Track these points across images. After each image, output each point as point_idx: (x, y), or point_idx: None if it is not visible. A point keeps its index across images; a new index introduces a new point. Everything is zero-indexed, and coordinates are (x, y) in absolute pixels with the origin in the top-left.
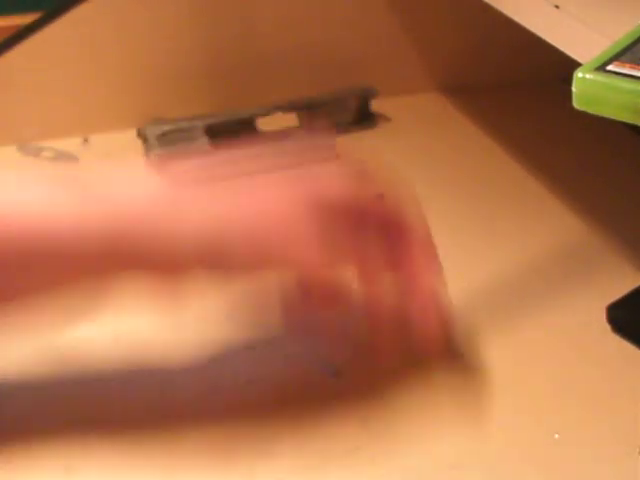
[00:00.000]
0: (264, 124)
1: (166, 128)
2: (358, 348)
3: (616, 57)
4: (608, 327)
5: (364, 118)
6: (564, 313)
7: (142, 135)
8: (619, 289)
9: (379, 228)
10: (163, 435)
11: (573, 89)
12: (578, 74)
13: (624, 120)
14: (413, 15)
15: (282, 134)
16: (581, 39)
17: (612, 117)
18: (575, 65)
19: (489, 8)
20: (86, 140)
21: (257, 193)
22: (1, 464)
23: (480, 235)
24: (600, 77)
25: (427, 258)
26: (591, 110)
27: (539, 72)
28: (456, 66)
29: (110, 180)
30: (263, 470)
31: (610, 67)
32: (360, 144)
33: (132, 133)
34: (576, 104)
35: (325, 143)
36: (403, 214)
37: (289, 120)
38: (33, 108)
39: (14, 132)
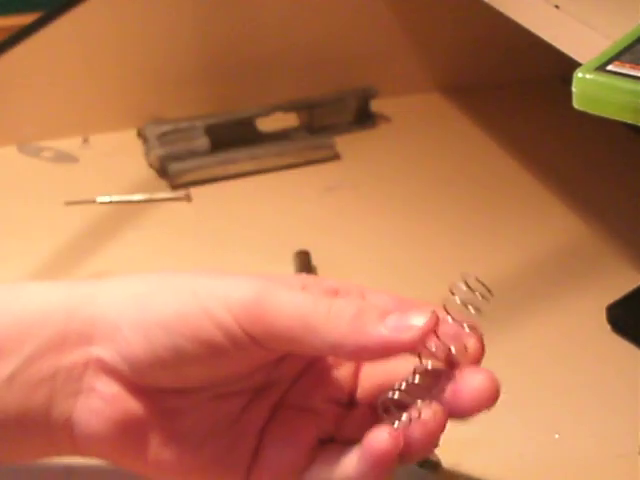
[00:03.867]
0: (264, 124)
1: (166, 128)
2: None
3: (616, 57)
4: (608, 327)
5: (364, 118)
6: (564, 313)
7: (142, 135)
8: (619, 289)
9: None
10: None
11: (573, 89)
12: (578, 74)
13: (624, 120)
14: (413, 15)
15: (282, 134)
16: (581, 39)
17: (612, 117)
18: (575, 65)
19: (489, 8)
20: (86, 140)
21: None
22: None
23: (480, 235)
24: (600, 77)
25: None
26: (591, 110)
27: (539, 72)
28: (456, 66)
29: None
30: None
31: (610, 67)
32: (360, 144)
33: (132, 133)
34: (576, 104)
35: (325, 144)
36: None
37: (289, 120)
38: (33, 108)
39: (14, 132)
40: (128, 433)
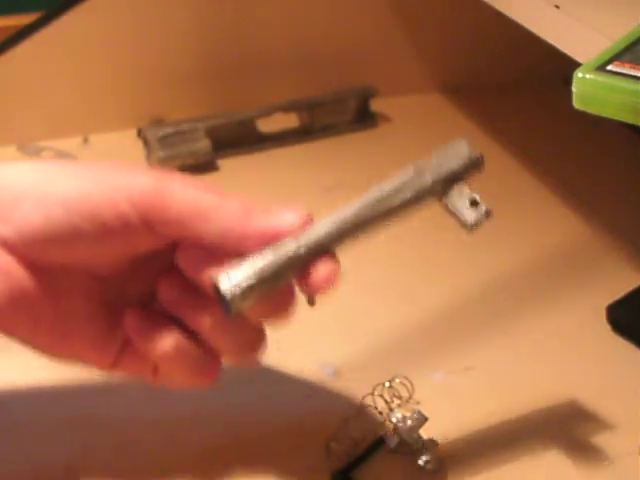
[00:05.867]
0: (264, 125)
1: (167, 130)
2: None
3: (616, 57)
4: (608, 327)
5: (364, 118)
6: (564, 313)
7: (143, 137)
8: (619, 289)
9: None
10: (163, 436)
11: (573, 89)
12: (578, 74)
13: (624, 120)
14: (413, 15)
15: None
16: (581, 39)
17: (612, 117)
18: (575, 65)
19: (489, 8)
20: (86, 140)
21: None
22: None
23: (479, 235)
24: (600, 77)
25: None
26: (591, 110)
27: (539, 72)
28: (456, 66)
29: None
30: (263, 471)
31: (610, 67)
32: (360, 144)
33: (132, 133)
34: (576, 104)
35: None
36: None
37: (289, 120)
38: (33, 108)
39: (14, 132)
40: (19, 306)
